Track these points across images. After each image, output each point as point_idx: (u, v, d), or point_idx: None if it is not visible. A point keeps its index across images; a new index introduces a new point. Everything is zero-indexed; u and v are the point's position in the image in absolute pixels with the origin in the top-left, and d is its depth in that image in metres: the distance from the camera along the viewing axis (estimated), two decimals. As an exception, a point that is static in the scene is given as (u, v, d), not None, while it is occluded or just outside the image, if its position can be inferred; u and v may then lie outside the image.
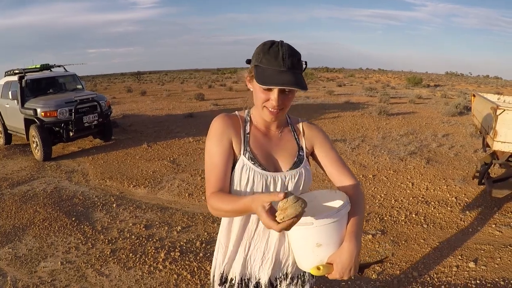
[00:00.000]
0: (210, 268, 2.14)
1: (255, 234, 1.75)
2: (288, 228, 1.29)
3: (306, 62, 1.63)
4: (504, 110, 4.52)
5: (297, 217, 1.26)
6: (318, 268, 1.50)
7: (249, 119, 1.78)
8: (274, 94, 1.55)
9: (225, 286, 1.82)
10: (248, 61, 1.68)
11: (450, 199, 5.99)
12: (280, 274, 1.82)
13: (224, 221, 1.78)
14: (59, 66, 11.34)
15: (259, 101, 1.61)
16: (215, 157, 1.65)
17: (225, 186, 1.63)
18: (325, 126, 11.91)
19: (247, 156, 1.67)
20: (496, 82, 53.50)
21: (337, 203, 1.67)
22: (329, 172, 1.79)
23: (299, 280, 1.86)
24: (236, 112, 1.82)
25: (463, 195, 6.11)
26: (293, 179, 1.69)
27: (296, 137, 1.82)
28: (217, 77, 46.51)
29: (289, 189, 1.68)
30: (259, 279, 1.79)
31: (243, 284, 1.80)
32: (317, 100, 19.66)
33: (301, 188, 1.72)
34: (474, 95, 6.55)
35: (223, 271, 1.81)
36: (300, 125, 1.85)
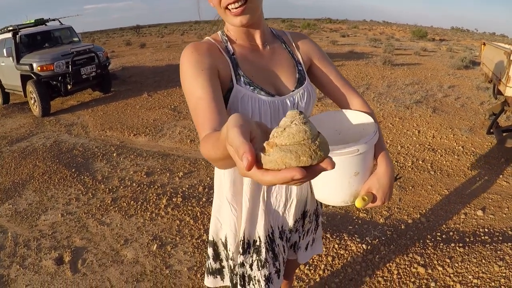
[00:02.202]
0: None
1: None
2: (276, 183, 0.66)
3: None
4: None
5: (311, 171, 0.66)
6: (364, 199, 1.30)
7: (226, 38, 1.40)
8: None
9: (249, 252, 1.57)
10: None
11: (457, 147, 5.87)
12: (299, 214, 1.64)
13: (227, 175, 1.48)
14: (54, 20, 11.07)
15: (217, 4, 1.28)
16: (197, 91, 1.19)
17: (223, 122, 1.10)
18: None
19: (242, 82, 1.32)
20: (502, 40, 52.55)
21: (351, 125, 1.46)
22: (332, 89, 1.52)
23: (314, 215, 1.73)
24: (206, 37, 1.44)
25: (470, 144, 6.00)
26: (302, 100, 1.42)
27: (290, 50, 1.50)
28: (218, 28, 45.81)
29: None
30: (283, 225, 1.61)
31: (269, 240, 1.57)
32: (320, 50, 19.29)
33: (309, 110, 1.47)
34: (484, 44, 6.40)
35: (244, 237, 1.54)
36: (289, 37, 1.54)
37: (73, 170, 5.41)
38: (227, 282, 1.73)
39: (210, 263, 1.72)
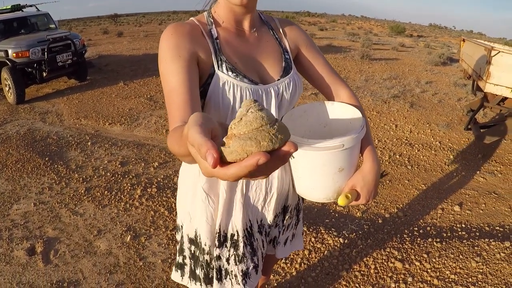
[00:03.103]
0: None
1: None
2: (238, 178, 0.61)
3: None
4: (499, 51, 4.40)
5: (276, 154, 0.62)
6: (347, 197, 1.24)
7: (212, 20, 1.32)
8: None
9: (225, 245, 1.50)
10: None
11: (434, 143, 5.91)
12: (280, 209, 1.58)
13: None
14: (30, 6, 10.84)
15: None
16: (172, 79, 1.14)
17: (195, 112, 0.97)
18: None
19: (224, 68, 1.24)
20: (479, 38, 53.46)
21: (338, 118, 1.40)
22: (319, 79, 1.46)
23: (295, 210, 1.67)
24: (192, 18, 1.34)
25: (447, 140, 6.04)
26: (287, 90, 1.35)
27: (277, 37, 1.43)
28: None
29: (284, 102, 1.36)
30: (262, 220, 1.54)
31: (247, 234, 1.50)
32: (299, 44, 19.27)
33: (294, 99, 1.41)
34: (463, 40, 6.45)
35: (220, 230, 1.47)
36: (277, 23, 1.47)
37: (46, 158, 5.28)
38: (185, 280, 1.65)
39: (177, 257, 1.67)
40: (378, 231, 3.65)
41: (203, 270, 1.57)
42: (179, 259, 1.64)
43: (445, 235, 3.64)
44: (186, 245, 1.57)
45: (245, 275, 1.53)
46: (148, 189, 4.37)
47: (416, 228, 3.72)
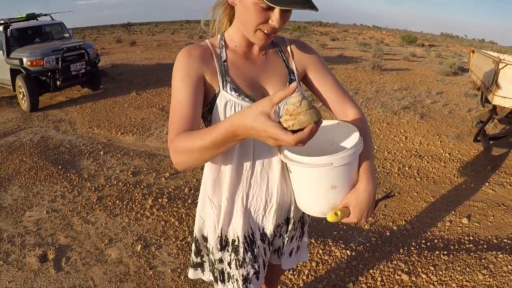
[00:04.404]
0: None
1: (251, 182, 1.50)
2: (307, 139, 1.04)
3: None
4: (507, 64, 4.42)
5: (318, 124, 1.06)
6: (336, 213, 1.31)
7: (223, 43, 1.45)
8: (275, 14, 1.24)
9: (227, 250, 1.60)
10: None
11: (443, 154, 5.92)
12: (282, 220, 1.65)
13: (210, 173, 1.53)
14: (45, 15, 10.99)
15: (254, 22, 1.27)
16: (179, 94, 1.32)
17: (193, 128, 1.28)
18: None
19: (228, 88, 1.37)
20: (491, 47, 53.23)
21: (344, 137, 1.46)
22: (328, 99, 1.53)
23: (299, 223, 1.73)
24: (206, 40, 1.49)
25: (457, 151, 6.04)
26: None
27: (285, 59, 1.52)
28: (208, 28, 45.74)
29: None
30: (264, 228, 1.62)
31: (249, 241, 1.58)
32: (310, 54, 19.30)
33: None
34: (473, 51, 6.46)
35: (221, 234, 1.57)
36: (287, 45, 1.56)
37: (59, 167, 5.36)
38: (207, 275, 1.76)
39: (192, 258, 1.76)
40: (385, 244, 3.67)
41: (209, 268, 1.72)
42: (197, 259, 1.74)
43: (452, 247, 3.65)
44: (202, 244, 1.68)
45: (246, 280, 1.60)
46: (159, 200, 4.44)
47: (423, 241, 3.74)
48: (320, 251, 3.51)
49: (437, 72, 13.80)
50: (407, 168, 5.38)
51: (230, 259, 1.60)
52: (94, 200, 4.43)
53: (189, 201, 4.42)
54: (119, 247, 3.62)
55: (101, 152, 5.93)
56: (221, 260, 1.62)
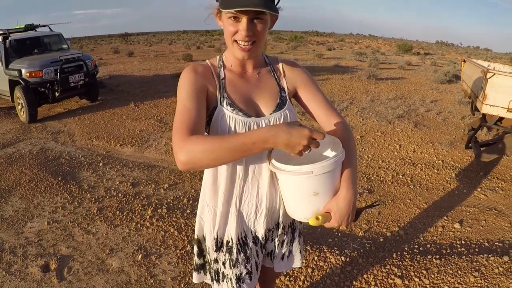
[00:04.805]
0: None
1: (243, 188, 1.65)
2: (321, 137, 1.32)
3: None
4: (494, 74, 4.53)
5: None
6: (317, 218, 1.45)
7: (222, 63, 1.64)
8: (243, 23, 1.41)
9: (222, 250, 1.74)
10: None
11: (436, 162, 6.03)
12: (273, 224, 1.78)
13: (208, 180, 1.68)
14: (44, 26, 11.05)
15: (229, 36, 1.46)
16: (187, 102, 1.46)
17: (200, 133, 1.41)
18: (314, 89, 11.78)
19: (224, 103, 1.55)
20: (486, 54, 53.61)
21: (330, 149, 1.61)
22: (316, 115, 1.69)
23: (289, 228, 1.85)
24: (207, 60, 1.67)
25: (450, 158, 6.16)
26: (277, 123, 1.57)
27: (277, 77, 1.69)
28: (205, 39, 46.11)
29: None
30: (255, 232, 1.75)
31: (241, 243, 1.72)
32: (306, 63, 19.44)
33: None
34: (464, 61, 6.58)
35: (217, 236, 1.72)
36: (280, 65, 1.73)
37: (59, 178, 5.44)
38: (209, 276, 1.87)
39: (195, 260, 1.88)
40: (379, 249, 3.77)
41: (208, 268, 1.84)
42: (199, 261, 1.86)
43: (444, 251, 3.74)
44: (203, 244, 1.81)
45: (239, 279, 1.74)
46: (158, 210, 4.52)
47: (416, 246, 3.84)
48: (316, 257, 3.60)
49: (431, 80, 13.94)
50: (400, 176, 5.49)
51: (225, 259, 1.73)
52: (95, 211, 4.52)
53: (188, 211, 4.50)
54: (120, 256, 3.70)
55: (101, 164, 6.01)
56: (216, 260, 1.75)
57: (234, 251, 1.71)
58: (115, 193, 4.98)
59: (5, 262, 3.65)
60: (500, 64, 7.02)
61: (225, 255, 1.73)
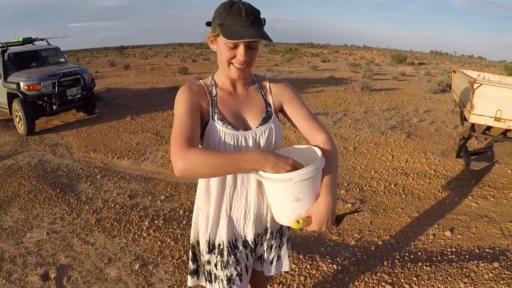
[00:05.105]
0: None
1: (233, 195, 1.80)
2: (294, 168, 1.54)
3: (264, 19, 1.66)
4: (481, 84, 4.64)
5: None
6: (298, 222, 1.59)
7: (214, 83, 1.82)
8: (240, 50, 1.60)
9: (214, 253, 1.87)
10: (208, 23, 1.71)
11: (429, 171, 6.13)
12: (261, 230, 1.91)
13: (201, 188, 1.83)
14: (42, 40, 11.16)
15: (225, 59, 1.65)
16: (185, 117, 1.63)
17: (195, 146, 1.59)
18: (308, 100, 11.96)
19: (216, 118, 1.72)
20: (480, 62, 53.89)
21: (312, 159, 1.72)
22: (300, 128, 1.85)
23: (278, 234, 1.97)
24: (200, 80, 1.86)
25: (442, 168, 6.26)
26: (263, 135, 1.75)
27: (263, 94, 1.87)
28: (201, 51, 46.17)
29: (261, 144, 1.75)
30: (245, 236, 1.88)
31: (232, 246, 1.86)
32: (301, 75, 19.63)
33: (273, 143, 1.79)
34: (454, 71, 6.69)
35: (209, 239, 1.86)
36: (266, 83, 1.90)
37: (58, 190, 5.52)
38: (202, 280, 2.00)
39: (190, 265, 2.01)
40: (370, 258, 3.86)
41: (202, 269, 1.98)
42: (193, 266, 2.00)
43: (435, 259, 3.83)
44: (197, 248, 1.96)
45: (229, 280, 1.87)
46: (155, 221, 4.60)
47: (407, 254, 3.93)
48: (308, 266, 3.68)
49: (425, 90, 14.10)
50: (393, 186, 5.59)
51: (216, 261, 1.87)
52: (93, 222, 4.59)
53: (184, 222, 4.59)
54: (118, 266, 3.78)
55: (98, 176, 6.10)
56: (208, 262, 1.89)
57: (225, 253, 1.85)
58: (112, 205, 5.06)
59: (5, 271, 3.72)
60: (490, 73, 7.15)
61: (216, 257, 1.87)
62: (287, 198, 1.60)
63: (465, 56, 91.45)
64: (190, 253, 1.99)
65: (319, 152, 1.69)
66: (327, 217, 1.60)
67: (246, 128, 1.76)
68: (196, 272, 2.00)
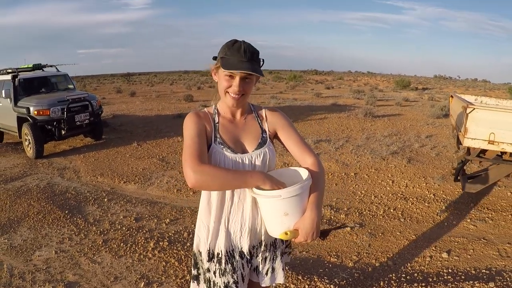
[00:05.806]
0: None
1: (231, 210, 1.99)
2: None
3: (263, 60, 1.92)
4: (474, 108, 4.74)
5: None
6: (286, 233, 1.80)
7: (216, 111, 2.05)
8: (236, 80, 1.86)
9: (213, 261, 2.04)
10: (214, 58, 1.97)
11: (428, 195, 6.24)
12: (256, 242, 2.09)
13: (203, 202, 2.02)
14: (51, 66, 11.44)
15: (223, 88, 1.90)
16: (194, 137, 1.87)
17: (203, 160, 1.81)
18: (311, 127, 12.19)
19: (217, 142, 1.95)
20: (484, 86, 53.98)
21: (300, 179, 1.93)
22: (292, 152, 2.07)
23: (272, 246, 2.14)
24: (205, 108, 2.10)
25: (441, 192, 6.37)
26: (259, 158, 1.98)
27: (260, 122, 2.10)
28: (206, 79, 46.51)
29: (257, 166, 1.97)
30: (241, 247, 2.05)
31: (229, 255, 2.03)
32: (305, 102, 19.87)
33: (267, 164, 2.01)
34: (452, 96, 6.81)
35: (209, 248, 2.03)
36: (263, 112, 2.14)
37: (66, 211, 5.68)
38: (202, 287, 2.15)
39: (192, 271, 2.19)
40: (367, 278, 3.97)
41: (202, 279, 2.15)
42: (194, 271, 2.18)
43: (431, 279, 3.92)
44: (198, 258, 2.12)
45: (226, 287, 2.04)
46: (160, 243, 4.73)
47: (403, 275, 4.03)
48: (306, 286, 3.80)
49: (428, 116, 14.22)
50: (392, 210, 5.70)
51: (215, 269, 2.05)
52: (100, 243, 4.73)
53: (188, 244, 4.71)
54: (124, 284, 3.91)
55: (105, 199, 6.25)
56: (208, 269, 2.07)
57: (223, 261, 2.03)
58: (119, 227, 5.20)
59: (15, 286, 3.87)
60: (488, 97, 7.29)
61: (215, 265, 2.04)
62: (277, 213, 1.82)
63: (469, 79, 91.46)
64: (193, 261, 2.17)
65: (306, 173, 1.91)
66: (312, 230, 1.82)
67: (244, 151, 1.99)
68: (197, 278, 2.16)
